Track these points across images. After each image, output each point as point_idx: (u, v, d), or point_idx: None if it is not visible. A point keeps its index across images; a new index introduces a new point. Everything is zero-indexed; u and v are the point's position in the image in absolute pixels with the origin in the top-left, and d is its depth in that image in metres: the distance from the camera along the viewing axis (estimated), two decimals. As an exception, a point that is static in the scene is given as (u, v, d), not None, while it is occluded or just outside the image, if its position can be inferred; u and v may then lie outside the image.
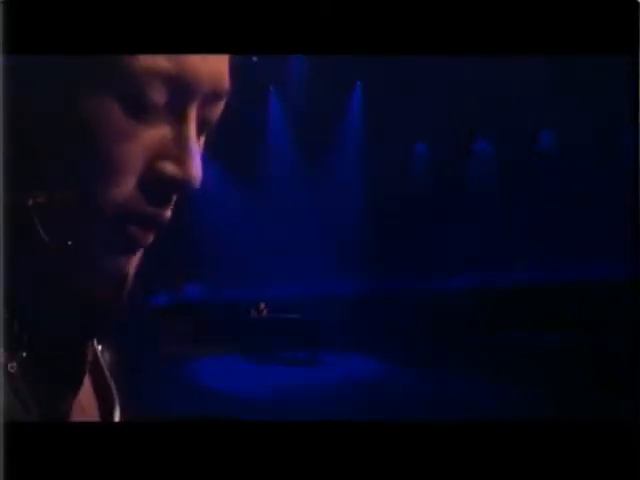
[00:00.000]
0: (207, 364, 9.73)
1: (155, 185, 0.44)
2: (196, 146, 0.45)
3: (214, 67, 0.45)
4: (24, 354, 0.43)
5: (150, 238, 0.46)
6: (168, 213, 0.46)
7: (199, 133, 0.46)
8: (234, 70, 0.46)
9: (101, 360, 0.53)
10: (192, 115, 0.45)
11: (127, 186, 0.43)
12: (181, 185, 0.44)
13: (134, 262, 0.47)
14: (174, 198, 0.46)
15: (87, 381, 0.51)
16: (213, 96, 0.46)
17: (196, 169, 0.44)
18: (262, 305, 10.92)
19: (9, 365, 0.42)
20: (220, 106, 0.47)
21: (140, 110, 0.42)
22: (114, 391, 0.53)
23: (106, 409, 0.53)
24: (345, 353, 9.53)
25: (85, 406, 0.50)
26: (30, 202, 0.41)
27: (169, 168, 0.44)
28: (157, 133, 0.43)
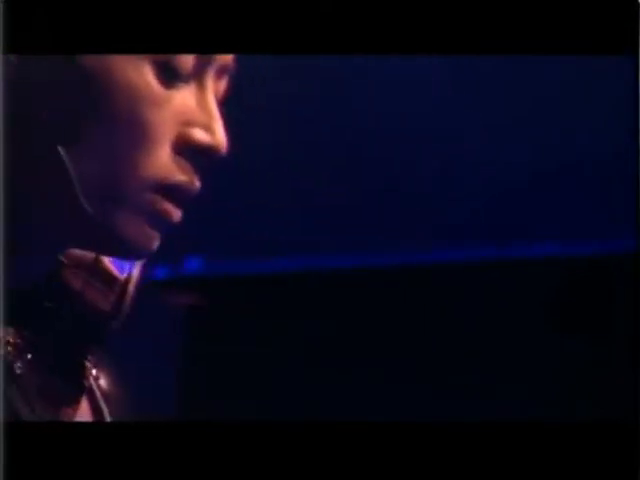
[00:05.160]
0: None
1: (186, 153, 0.43)
2: (219, 113, 0.44)
3: None
4: (29, 355, 0.43)
5: (179, 214, 0.44)
6: (198, 184, 0.44)
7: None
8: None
9: (95, 388, 0.50)
10: (211, 83, 0.44)
11: (160, 155, 0.42)
12: (210, 152, 0.43)
13: (154, 247, 0.45)
14: (202, 167, 0.45)
15: (85, 403, 0.49)
16: (223, 68, 0.45)
17: (223, 135, 0.44)
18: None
19: (15, 365, 0.42)
20: (225, 81, 0.46)
21: (169, 75, 0.42)
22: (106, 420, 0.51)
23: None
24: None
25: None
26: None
27: (199, 135, 0.43)
28: (185, 99, 0.43)
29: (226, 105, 0.48)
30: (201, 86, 0.43)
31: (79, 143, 0.41)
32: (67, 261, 0.46)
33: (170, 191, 0.43)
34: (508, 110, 1.60)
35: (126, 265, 0.47)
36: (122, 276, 0.47)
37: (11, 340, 0.42)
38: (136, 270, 0.47)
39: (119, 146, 0.41)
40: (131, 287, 0.47)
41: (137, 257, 0.46)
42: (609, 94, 1.42)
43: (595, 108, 1.49)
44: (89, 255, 0.46)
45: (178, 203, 0.44)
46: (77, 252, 0.46)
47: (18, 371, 0.42)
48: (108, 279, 0.47)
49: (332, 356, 1.14)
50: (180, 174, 0.43)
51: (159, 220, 0.43)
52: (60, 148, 0.40)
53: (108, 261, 0.47)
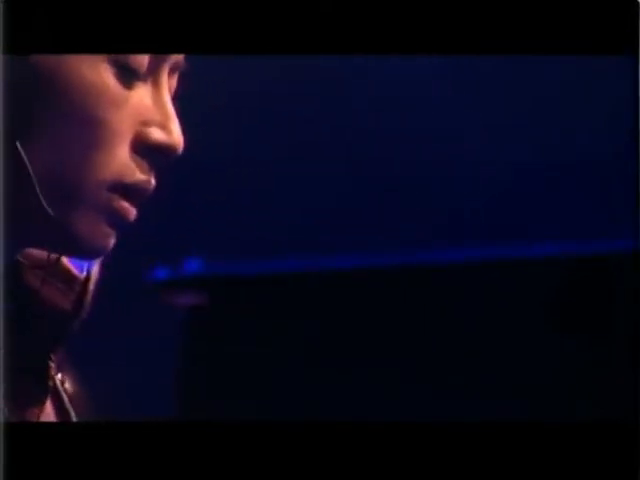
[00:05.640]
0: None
1: (143, 152, 0.43)
2: (174, 112, 0.45)
3: None
4: None
5: (135, 213, 0.45)
6: (153, 183, 0.45)
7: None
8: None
9: (61, 391, 0.49)
10: (166, 81, 0.44)
11: (118, 155, 0.42)
12: (167, 151, 0.44)
13: (110, 246, 0.45)
14: (159, 166, 0.45)
15: (49, 406, 0.48)
16: (175, 65, 0.45)
17: (179, 135, 0.44)
18: None
19: None
20: (176, 78, 0.47)
21: (127, 74, 0.42)
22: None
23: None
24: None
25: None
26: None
27: (156, 134, 0.43)
28: (142, 98, 0.43)
29: (231, 105, 0.48)
30: (157, 84, 0.44)
31: (37, 142, 0.41)
32: (25, 261, 0.46)
33: (127, 190, 0.43)
34: (508, 110, 1.60)
35: (85, 264, 0.47)
36: (82, 275, 0.47)
37: None
38: (95, 268, 0.47)
39: (77, 145, 0.42)
40: (91, 286, 0.47)
41: (94, 256, 0.46)
42: (609, 94, 1.42)
43: (595, 108, 1.49)
44: (48, 254, 0.46)
45: (135, 202, 0.44)
46: (36, 252, 0.46)
47: None
48: (68, 278, 0.46)
49: (332, 356, 1.14)
50: (138, 173, 0.43)
51: (116, 219, 0.44)
52: (18, 146, 0.40)
53: (67, 260, 0.47)
